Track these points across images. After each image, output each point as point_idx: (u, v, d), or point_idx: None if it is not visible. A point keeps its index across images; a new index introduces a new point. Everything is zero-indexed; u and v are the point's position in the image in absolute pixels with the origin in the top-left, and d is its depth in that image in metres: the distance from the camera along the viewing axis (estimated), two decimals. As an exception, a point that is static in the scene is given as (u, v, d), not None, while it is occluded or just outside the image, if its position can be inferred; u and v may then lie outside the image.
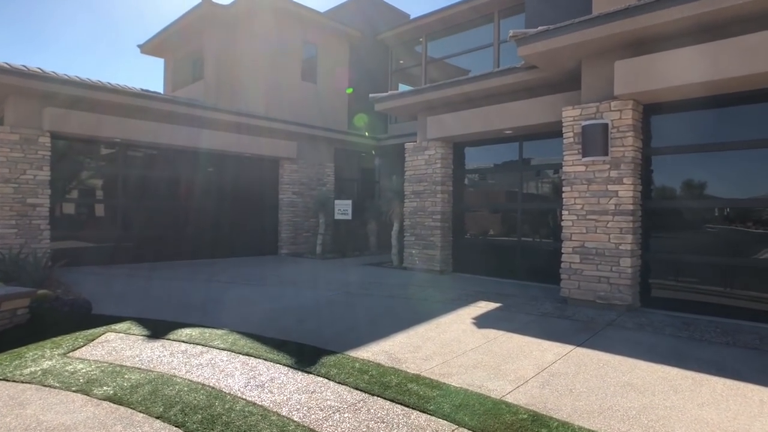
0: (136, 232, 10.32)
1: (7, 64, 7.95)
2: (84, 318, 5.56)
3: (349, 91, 13.89)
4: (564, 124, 6.70)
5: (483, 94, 8.51)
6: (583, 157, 6.39)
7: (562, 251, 6.63)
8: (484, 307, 6.41)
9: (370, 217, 13.56)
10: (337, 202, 12.36)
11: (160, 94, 9.91)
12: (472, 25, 13.96)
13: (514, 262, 8.78)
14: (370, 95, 10.27)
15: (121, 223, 10.06)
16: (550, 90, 7.62)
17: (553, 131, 7.86)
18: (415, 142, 10.10)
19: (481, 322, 5.61)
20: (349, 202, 12.12)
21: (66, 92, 8.51)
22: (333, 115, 14.85)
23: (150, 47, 16.91)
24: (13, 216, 8.30)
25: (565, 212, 6.63)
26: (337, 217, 12.28)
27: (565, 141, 6.69)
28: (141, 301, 6.47)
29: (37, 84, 8.17)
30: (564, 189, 6.65)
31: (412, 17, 16.50)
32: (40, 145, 8.56)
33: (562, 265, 6.62)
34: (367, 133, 14.49)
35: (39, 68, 8.55)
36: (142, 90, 9.70)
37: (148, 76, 45.56)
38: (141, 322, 5.36)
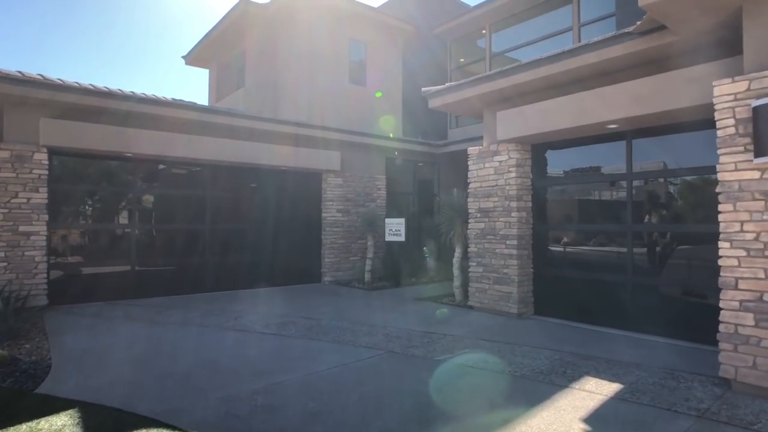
0: (152, 262, 9.01)
1: (-2, 70, 6.84)
2: (19, 400, 4.01)
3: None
4: (717, 107, 4.34)
5: (575, 76, 6.28)
6: (757, 157, 4.01)
7: (722, 305, 4.24)
8: (595, 391, 4.17)
9: (427, 238, 11.53)
10: (387, 220, 10.47)
11: (171, 99, 8.57)
12: (545, 9, 11.64)
13: (622, 305, 6.38)
14: (423, 89, 8.31)
15: (134, 251, 8.75)
16: (684, 60, 5.25)
17: (685, 121, 5.49)
18: (481, 145, 7.99)
19: (601, 430, 3.42)
20: (402, 220, 10.18)
21: (63, 99, 7.29)
22: (386, 119, 13.05)
23: (194, 57, 16.15)
24: (2, 247, 7.13)
25: (724, 244, 4.25)
26: (389, 238, 10.38)
27: (719, 133, 4.33)
28: (118, 367, 4.87)
29: (29, 91, 6.98)
30: (722, 207, 4.28)
31: (472, 6, 14.40)
32: (35, 162, 7.39)
33: (722, 327, 4.23)
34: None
35: (40, 75, 7.45)
36: (149, 95, 8.39)
37: (195, 88, 46.55)
38: (89, 414, 3.69)
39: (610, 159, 6.76)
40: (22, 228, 7.28)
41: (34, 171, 7.40)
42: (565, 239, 7.56)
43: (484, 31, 13.14)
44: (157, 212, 9.46)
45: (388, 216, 10.92)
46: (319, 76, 12.01)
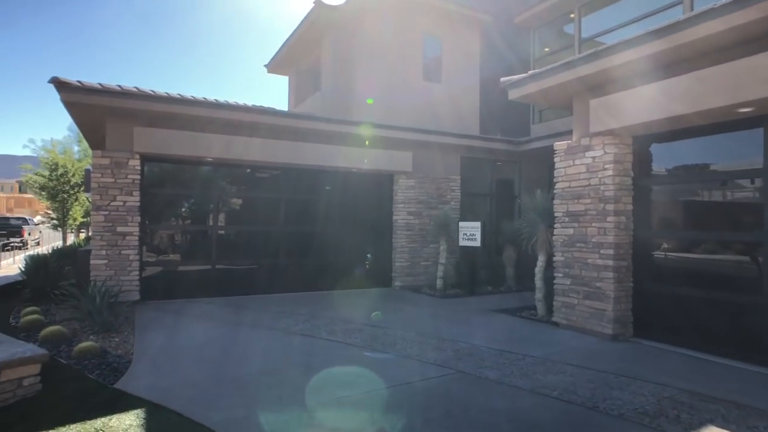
0: (230, 262, 9.17)
1: (99, 84, 7.28)
2: (99, 393, 4.17)
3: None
4: None
5: (688, 52, 5.22)
6: None
7: None
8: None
9: (506, 243, 10.67)
10: (462, 224, 9.78)
11: (248, 104, 8.64)
12: (646, -15, 10.24)
13: (755, 332, 5.19)
14: (502, 80, 7.55)
15: (214, 252, 8.96)
16: None
17: None
18: (570, 140, 7.08)
19: None
20: (478, 224, 9.43)
21: (153, 109, 7.63)
22: (460, 117, 12.38)
23: (275, 65, 16.57)
24: (104, 246, 7.60)
25: None
26: (462, 243, 9.69)
27: None
28: (187, 368, 4.85)
29: (126, 102, 7.39)
30: None
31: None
32: (130, 168, 7.77)
33: None
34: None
35: (135, 87, 7.84)
36: (228, 102, 8.50)
37: (276, 95, 48.31)
38: (152, 416, 3.72)
39: (739, 151, 5.57)
40: (119, 228, 7.72)
41: (129, 176, 7.80)
42: (675, 249, 6.41)
43: (572, 15, 11.94)
44: (235, 214, 9.65)
45: (463, 219, 10.22)
46: (392, 75, 11.69)
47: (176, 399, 4.00)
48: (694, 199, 6.40)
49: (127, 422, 3.57)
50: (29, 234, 22.49)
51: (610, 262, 6.27)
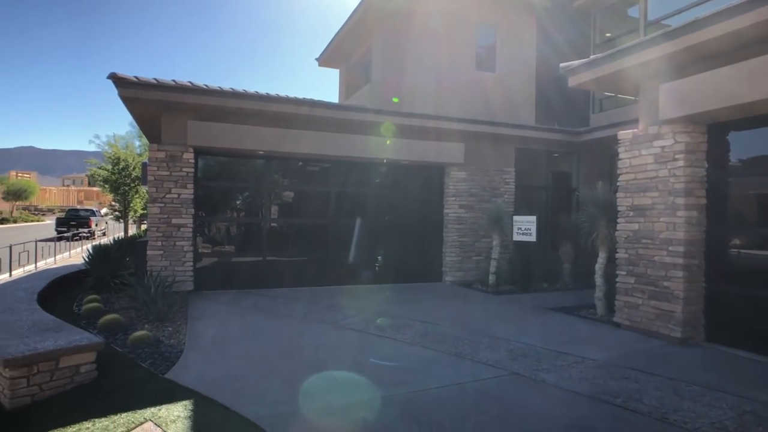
0: (281, 254, 9.29)
1: (155, 79, 7.53)
2: (150, 382, 4.27)
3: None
4: None
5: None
6: None
7: None
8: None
9: (563, 238, 10.18)
10: (516, 218, 9.40)
11: (298, 97, 8.63)
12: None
13: None
14: (561, 65, 7.14)
15: (265, 244, 9.12)
16: None
17: None
18: (635, 129, 6.58)
19: None
20: (533, 218, 9.04)
21: (206, 102, 7.82)
22: (515, 107, 11.92)
23: (326, 58, 16.65)
24: (159, 237, 7.90)
25: None
26: (517, 238, 9.32)
27: None
28: (236, 359, 4.90)
29: (181, 97, 7.62)
30: None
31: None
32: (184, 161, 8.01)
33: None
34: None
35: (189, 82, 8.08)
36: (278, 95, 8.56)
37: (328, 89, 48.29)
38: (200, 408, 3.75)
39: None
40: (174, 220, 7.99)
41: (183, 169, 8.04)
42: (755, 247, 5.81)
43: (638, -3, 11.14)
44: (286, 207, 9.77)
45: (517, 213, 9.83)
46: (443, 65, 11.44)
47: (224, 391, 4.02)
48: (781, 193, 5.77)
49: (176, 413, 3.62)
50: (96, 225, 24.06)
51: (680, 260, 5.78)
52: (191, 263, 8.13)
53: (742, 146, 5.95)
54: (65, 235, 18.68)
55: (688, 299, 5.75)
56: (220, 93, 7.87)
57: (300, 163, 9.65)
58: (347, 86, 16.02)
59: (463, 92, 11.40)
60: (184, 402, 3.82)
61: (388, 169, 10.05)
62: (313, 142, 8.77)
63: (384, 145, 9.30)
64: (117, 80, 6.97)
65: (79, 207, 32.35)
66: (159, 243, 7.90)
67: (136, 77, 7.18)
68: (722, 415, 3.73)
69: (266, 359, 4.93)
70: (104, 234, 24.07)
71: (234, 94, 7.95)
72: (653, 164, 6.21)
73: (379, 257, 9.86)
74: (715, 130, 5.94)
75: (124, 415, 3.58)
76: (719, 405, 3.92)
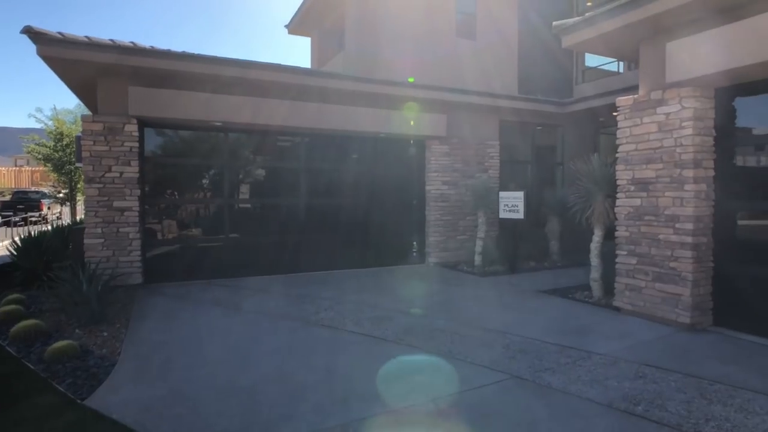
0: (249, 239, 8.39)
1: (86, 38, 6.39)
2: (62, 414, 3.33)
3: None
4: None
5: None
6: None
7: None
8: None
9: (549, 215, 9.64)
10: (502, 194, 8.77)
11: (262, 62, 7.62)
12: None
13: None
14: (554, 24, 6.38)
15: (229, 228, 8.21)
16: None
17: None
18: (635, 94, 5.93)
19: None
20: (521, 194, 8.42)
21: (151, 66, 6.72)
22: (497, 77, 11.15)
23: (296, 26, 15.46)
24: (99, 223, 6.88)
25: None
26: (503, 215, 8.71)
27: None
28: (182, 372, 4.08)
29: (120, 59, 6.48)
30: None
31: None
32: (126, 134, 6.96)
33: None
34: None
35: (131, 42, 7.00)
36: (238, 58, 7.54)
37: (298, 58, 45.88)
38: None
39: None
40: (116, 203, 6.98)
41: (125, 144, 7.00)
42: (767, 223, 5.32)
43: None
44: (253, 186, 8.85)
45: (503, 189, 9.20)
46: (422, 32, 10.52)
47: (160, 421, 3.20)
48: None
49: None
50: (49, 208, 22.19)
51: (689, 239, 5.23)
52: (139, 252, 7.16)
53: (752, 113, 5.38)
54: (13, 220, 17.13)
55: (696, 281, 5.23)
56: (165, 54, 6.81)
57: (266, 136, 8.68)
58: (320, 55, 14.92)
59: (443, 60, 10.56)
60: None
61: (365, 144, 9.20)
62: (279, 112, 7.83)
63: (359, 117, 8.44)
64: (34, 35, 5.73)
65: (28, 189, 29.97)
66: (99, 230, 6.87)
67: (60, 33, 6.03)
68: (760, 423, 3.19)
69: (221, 371, 4.12)
70: (59, 218, 22.41)
71: (182, 56, 6.90)
72: (657, 133, 5.60)
73: (355, 239, 9.09)
74: (721, 95, 5.33)
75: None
76: (752, 407, 3.40)
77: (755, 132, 5.36)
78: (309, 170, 8.74)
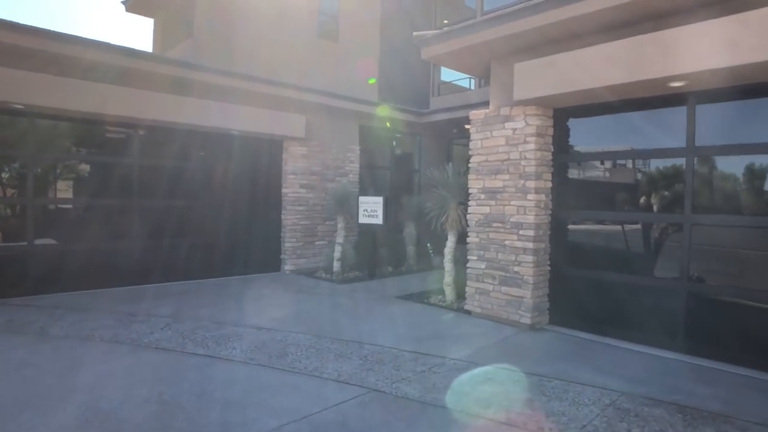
0: (62, 246, 6.92)
1: None
2: None
3: (372, 81, 10.02)
4: None
5: (630, 14, 4.63)
6: None
7: None
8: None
9: (407, 220, 9.88)
10: (362, 199, 8.69)
11: (71, 35, 6.32)
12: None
13: (674, 319, 4.93)
14: (415, 35, 6.48)
15: (33, 232, 6.64)
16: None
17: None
18: (487, 109, 6.30)
19: None
20: (380, 199, 8.43)
21: None
22: (358, 82, 11.15)
23: (135, 3, 13.57)
24: None
25: None
26: (363, 220, 8.63)
27: None
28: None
29: None
30: None
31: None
32: None
33: None
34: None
35: None
36: (19, 23, 6.19)
37: (138, 40, 41.49)
38: None
39: (664, 130, 5.20)
40: None
41: None
42: (593, 231, 6.04)
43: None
44: (73, 183, 7.36)
45: (362, 194, 9.15)
46: (281, 28, 10.00)
47: None
48: (613, 180, 6.09)
49: None
50: None
51: (530, 245, 5.67)
52: None
53: (582, 132, 6.09)
54: None
55: (536, 284, 5.68)
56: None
57: (93, 126, 7.28)
58: (163, 38, 13.31)
59: (303, 59, 10.18)
60: None
61: (216, 141, 8.32)
62: (105, 98, 6.58)
63: (206, 110, 7.57)
64: None
65: None
66: None
67: None
68: (586, 413, 3.46)
69: (9, 417, 3.16)
70: None
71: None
72: (505, 146, 5.99)
73: (202, 246, 8.15)
74: (561, 115, 5.94)
75: None
76: (581, 400, 3.69)
77: (582, 150, 6.07)
78: (145, 168, 7.57)
